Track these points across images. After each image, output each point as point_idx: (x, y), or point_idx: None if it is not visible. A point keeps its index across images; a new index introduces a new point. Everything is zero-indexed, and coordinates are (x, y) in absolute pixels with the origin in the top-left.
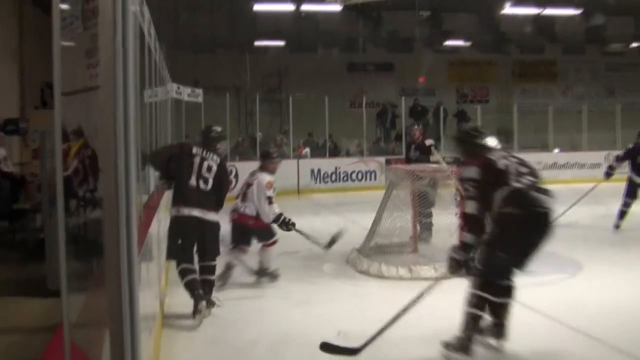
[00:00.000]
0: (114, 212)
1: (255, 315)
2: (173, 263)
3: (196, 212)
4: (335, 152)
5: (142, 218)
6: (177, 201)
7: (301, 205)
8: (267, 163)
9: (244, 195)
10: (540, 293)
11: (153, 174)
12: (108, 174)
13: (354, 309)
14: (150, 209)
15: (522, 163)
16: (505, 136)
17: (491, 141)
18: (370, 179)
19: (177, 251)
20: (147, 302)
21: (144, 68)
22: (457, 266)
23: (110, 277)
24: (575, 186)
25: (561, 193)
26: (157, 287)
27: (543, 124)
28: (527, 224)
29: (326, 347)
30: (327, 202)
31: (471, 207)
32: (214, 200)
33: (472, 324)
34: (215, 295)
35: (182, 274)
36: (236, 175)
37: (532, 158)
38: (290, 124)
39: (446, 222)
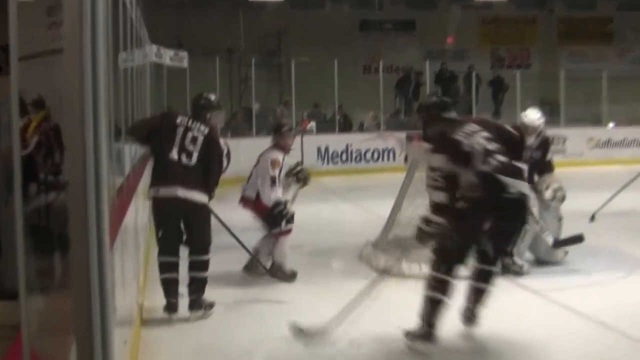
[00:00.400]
0: (81, 199)
1: (251, 321)
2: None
3: (177, 192)
4: (346, 127)
5: (116, 205)
6: (155, 179)
7: (306, 190)
8: (278, 139)
9: (249, 176)
10: (589, 295)
11: (129, 152)
12: (74, 152)
13: (369, 315)
14: (125, 194)
15: (498, 135)
16: (549, 107)
17: (532, 113)
18: (388, 159)
19: (158, 240)
20: (122, 305)
21: (117, 27)
22: (426, 236)
23: (77, 275)
24: (634, 167)
25: (616, 175)
26: (135, 286)
27: (595, 94)
28: (493, 210)
29: (294, 328)
30: (337, 186)
31: (442, 197)
32: (201, 177)
33: (430, 309)
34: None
35: (160, 268)
36: (228, 155)
37: (582, 134)
38: (292, 93)
39: None
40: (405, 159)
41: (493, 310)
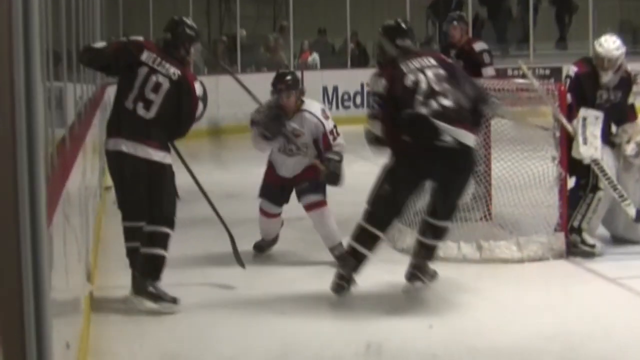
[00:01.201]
0: (9, 157)
1: (233, 324)
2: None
3: (122, 146)
4: (361, 61)
5: (56, 165)
6: (107, 128)
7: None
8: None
9: None
10: None
11: (74, 94)
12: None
13: (392, 311)
14: (69, 151)
15: (450, 77)
16: (632, 34)
17: (609, 41)
18: None
19: (119, 203)
20: (63, 298)
21: None
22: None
23: (4, 261)
24: None
25: None
26: (82, 273)
27: None
28: (424, 158)
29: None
30: (349, 139)
31: (376, 127)
32: (159, 133)
33: (351, 259)
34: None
35: (124, 236)
36: (205, 97)
37: None
38: (289, 16)
39: (539, 172)
40: None
41: (558, 302)
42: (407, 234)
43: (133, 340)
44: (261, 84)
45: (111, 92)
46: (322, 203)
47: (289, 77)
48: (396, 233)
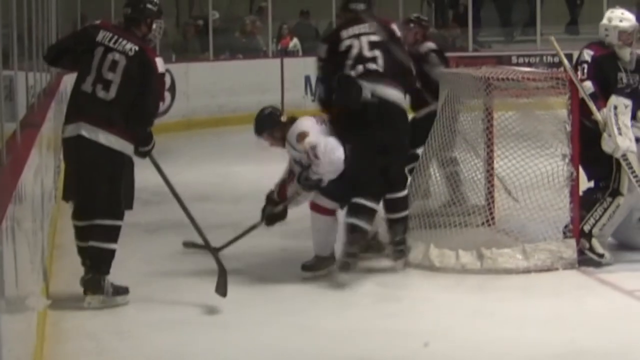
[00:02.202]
0: None
1: (201, 343)
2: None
3: (82, 130)
4: None
5: (6, 163)
6: (66, 115)
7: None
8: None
9: None
10: None
11: (25, 84)
12: None
13: (385, 328)
14: (21, 147)
15: (384, 44)
16: None
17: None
18: None
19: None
20: (15, 313)
21: None
22: None
23: None
24: None
25: None
26: (36, 283)
27: None
28: (351, 119)
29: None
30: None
31: (320, 91)
32: (121, 116)
33: (357, 235)
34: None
35: (75, 234)
36: (173, 86)
37: None
38: None
39: (548, 171)
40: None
41: (568, 317)
42: (413, 246)
43: (92, 359)
44: (237, 72)
45: (68, 80)
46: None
47: (257, 124)
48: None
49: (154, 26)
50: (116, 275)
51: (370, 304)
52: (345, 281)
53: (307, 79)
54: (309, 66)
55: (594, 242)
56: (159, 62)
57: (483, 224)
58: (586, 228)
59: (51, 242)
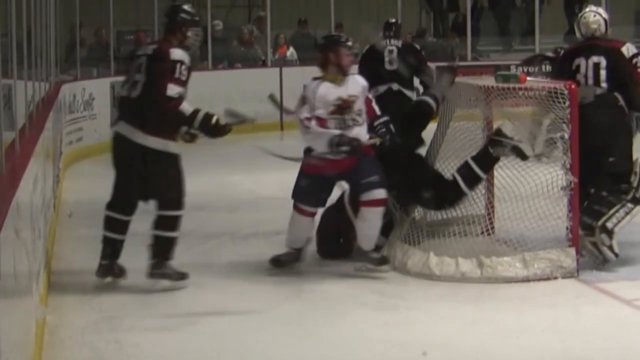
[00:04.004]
0: None
1: (201, 348)
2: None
3: (119, 128)
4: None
5: (4, 173)
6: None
7: (287, 146)
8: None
9: None
10: None
11: (24, 93)
12: None
13: (382, 337)
14: (19, 156)
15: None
16: None
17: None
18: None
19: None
20: (12, 322)
21: None
22: None
23: None
24: None
25: None
26: (34, 292)
27: None
28: None
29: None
30: None
31: None
32: (147, 113)
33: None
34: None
35: (103, 224)
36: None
37: None
38: (267, 5)
39: (547, 180)
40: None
41: (567, 326)
42: (397, 249)
43: None
44: (235, 81)
45: (66, 90)
46: (384, 201)
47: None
48: (387, 247)
49: (188, 34)
50: (116, 283)
51: (368, 313)
52: (343, 289)
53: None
54: (307, 74)
55: (614, 241)
56: (174, 51)
57: (482, 232)
58: (609, 225)
59: (49, 251)
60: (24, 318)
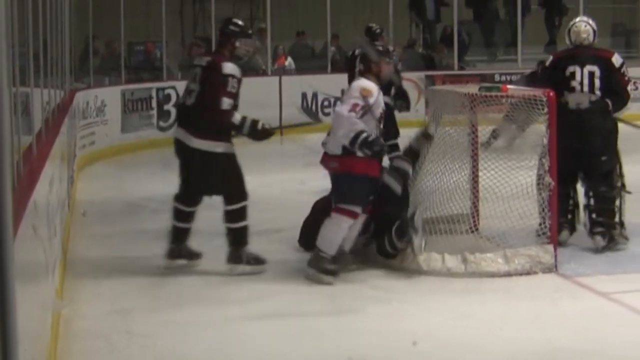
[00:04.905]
0: None
1: (206, 341)
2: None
3: (177, 133)
4: (341, 65)
5: (23, 174)
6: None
7: (286, 151)
8: (373, 64)
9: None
10: None
11: (41, 100)
12: None
13: (375, 327)
14: (36, 159)
15: None
16: (625, 38)
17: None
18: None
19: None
20: (30, 314)
21: None
22: None
23: None
24: None
25: None
26: (50, 287)
27: None
28: None
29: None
30: None
31: None
32: (201, 119)
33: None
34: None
35: (171, 214)
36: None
37: None
38: (267, 17)
39: (528, 182)
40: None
41: (546, 318)
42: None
43: (103, 358)
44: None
45: (80, 97)
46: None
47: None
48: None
49: (237, 44)
50: (126, 278)
51: (361, 306)
52: (340, 284)
53: (304, 95)
54: (305, 83)
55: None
56: (226, 65)
57: (467, 230)
58: (622, 219)
59: (64, 247)
60: (40, 310)
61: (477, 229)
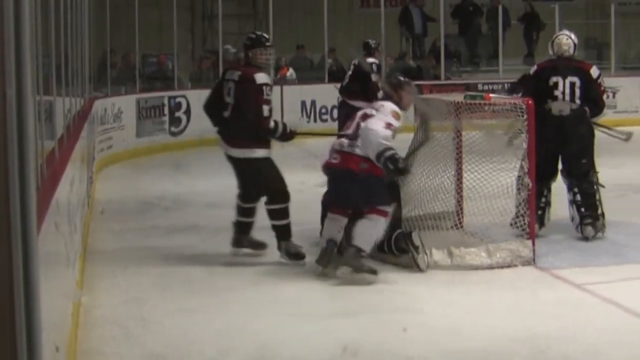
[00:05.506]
0: (1, 168)
1: (214, 326)
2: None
3: (220, 144)
4: (338, 75)
5: (46, 176)
6: None
7: (287, 155)
8: (399, 92)
9: (355, 130)
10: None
11: (62, 108)
12: None
13: (368, 314)
14: (58, 162)
15: None
16: (597, 51)
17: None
18: None
19: None
20: (53, 303)
21: None
22: None
23: None
24: None
25: None
26: (70, 279)
27: None
28: None
29: None
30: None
31: None
32: (237, 129)
33: None
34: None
35: (237, 209)
36: (188, 110)
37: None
38: (270, 32)
39: (508, 182)
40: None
41: (526, 306)
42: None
43: (120, 343)
44: None
45: (98, 105)
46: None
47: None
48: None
49: (256, 54)
50: (140, 270)
51: (356, 296)
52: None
53: (303, 104)
54: (304, 92)
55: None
56: (258, 76)
57: (453, 227)
58: (601, 211)
59: (84, 242)
60: (62, 300)
61: (461, 226)
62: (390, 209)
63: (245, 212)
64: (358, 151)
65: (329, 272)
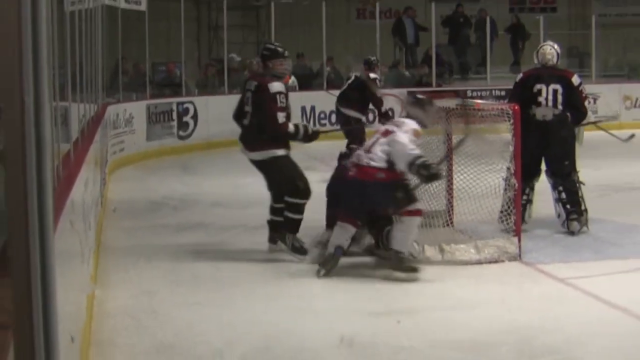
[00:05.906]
0: (20, 170)
1: (221, 318)
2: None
3: (241, 150)
4: (336, 82)
5: (62, 177)
6: None
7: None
8: (421, 109)
9: (371, 145)
10: (626, 284)
11: (77, 113)
12: (10, 114)
13: (364, 308)
14: (73, 164)
15: None
16: (579, 59)
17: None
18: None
19: None
20: (68, 296)
21: None
22: None
23: (16, 263)
24: None
25: None
26: (85, 274)
27: (634, 43)
28: None
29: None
30: (325, 152)
31: None
32: (256, 136)
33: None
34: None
35: (270, 209)
36: (195, 115)
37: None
38: (272, 41)
39: (496, 183)
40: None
41: (513, 300)
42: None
43: (131, 333)
44: None
45: (111, 110)
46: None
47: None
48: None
49: (273, 64)
50: (151, 265)
51: (352, 290)
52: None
53: (303, 109)
54: (304, 98)
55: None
56: (272, 84)
57: (443, 225)
58: (584, 207)
59: (98, 239)
60: (77, 293)
61: (452, 224)
62: (418, 207)
63: (277, 211)
64: (374, 163)
65: (329, 275)
